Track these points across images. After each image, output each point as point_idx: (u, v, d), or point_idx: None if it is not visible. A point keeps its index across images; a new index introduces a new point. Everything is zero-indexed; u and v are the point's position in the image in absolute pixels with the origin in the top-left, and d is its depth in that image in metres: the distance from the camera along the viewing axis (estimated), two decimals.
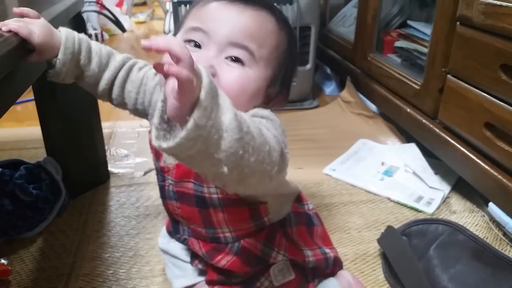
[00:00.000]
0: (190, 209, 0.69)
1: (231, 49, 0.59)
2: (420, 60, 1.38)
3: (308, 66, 1.77)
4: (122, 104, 0.74)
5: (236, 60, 0.59)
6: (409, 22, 1.52)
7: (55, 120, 1.07)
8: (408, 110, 1.27)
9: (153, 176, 1.27)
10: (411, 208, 1.09)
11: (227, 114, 0.41)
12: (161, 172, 0.72)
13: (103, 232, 1.04)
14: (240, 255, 0.70)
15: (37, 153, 1.21)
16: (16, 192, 1.03)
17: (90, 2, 2.86)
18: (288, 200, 0.78)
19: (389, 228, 0.93)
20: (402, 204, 1.10)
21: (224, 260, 0.71)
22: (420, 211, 1.07)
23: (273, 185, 0.55)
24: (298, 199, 0.81)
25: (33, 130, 1.44)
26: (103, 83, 0.70)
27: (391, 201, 1.12)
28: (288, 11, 1.61)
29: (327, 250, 0.79)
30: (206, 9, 0.61)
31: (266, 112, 0.60)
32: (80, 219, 1.08)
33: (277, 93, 0.67)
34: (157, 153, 0.72)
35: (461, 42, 1.02)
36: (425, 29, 1.42)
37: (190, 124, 0.38)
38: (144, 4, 4.01)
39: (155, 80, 0.72)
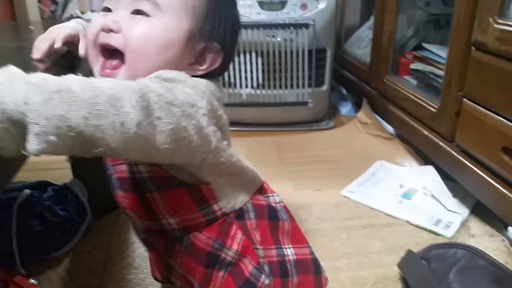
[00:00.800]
0: (131, 196, 0.64)
1: (134, 3, 0.57)
2: (435, 82, 1.40)
3: (324, 87, 1.79)
4: None
5: (140, 13, 0.57)
6: (424, 45, 1.54)
7: None
8: (425, 132, 1.29)
9: None
10: (430, 231, 1.10)
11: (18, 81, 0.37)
12: (104, 160, 0.67)
13: (127, 253, 1.06)
14: (190, 251, 0.65)
15: (63, 174, 1.24)
16: (45, 213, 1.06)
17: None
18: (243, 186, 0.68)
19: (409, 253, 0.94)
20: (421, 228, 1.11)
21: (177, 261, 0.66)
22: (439, 235, 1.08)
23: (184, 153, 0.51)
24: (261, 190, 0.72)
25: None
26: None
27: (410, 224, 1.13)
28: (304, 34, 1.65)
29: (288, 252, 0.70)
30: None
31: (172, 73, 0.55)
32: (104, 240, 1.11)
33: (209, 49, 0.61)
34: None
35: (477, 67, 1.04)
36: (440, 52, 1.44)
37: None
38: None
39: None
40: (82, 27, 0.69)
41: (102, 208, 1.20)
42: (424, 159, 1.40)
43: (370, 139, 1.63)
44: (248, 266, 0.64)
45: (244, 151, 1.56)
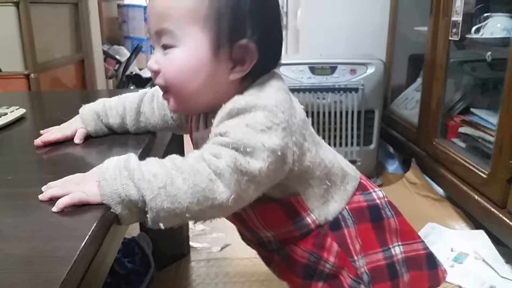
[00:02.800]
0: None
1: (160, 38, 0.60)
2: (485, 147, 1.43)
3: (372, 146, 1.85)
4: (166, 128, 0.79)
5: (166, 47, 0.60)
6: (473, 110, 1.58)
7: None
8: (476, 197, 1.31)
9: (229, 252, 1.36)
10: None
11: (136, 186, 0.50)
12: None
13: None
14: (288, 264, 0.66)
15: (131, 228, 1.34)
16: (114, 265, 1.15)
17: None
18: (335, 192, 0.66)
19: None
20: None
21: (276, 270, 0.69)
22: None
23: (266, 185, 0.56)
24: (360, 188, 0.69)
25: None
26: (131, 126, 0.77)
27: None
28: (354, 97, 1.73)
29: (396, 251, 0.67)
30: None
31: (242, 103, 0.56)
32: None
33: (237, 48, 0.59)
34: None
35: None
36: (489, 117, 1.48)
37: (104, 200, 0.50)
38: None
39: None
40: (96, 115, 0.76)
41: (164, 260, 1.28)
42: (475, 223, 1.42)
43: (420, 199, 1.65)
44: (346, 279, 0.64)
45: None
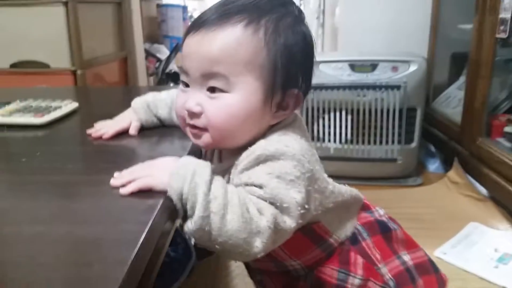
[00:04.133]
0: None
1: (206, 81, 0.59)
2: None
3: (413, 145, 1.83)
4: None
5: (215, 89, 0.59)
6: None
7: None
8: None
9: None
10: None
11: (200, 191, 0.51)
12: None
13: None
14: (316, 287, 0.68)
15: None
16: None
17: None
18: (348, 212, 0.71)
19: None
20: None
21: None
22: None
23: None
24: (364, 207, 0.74)
25: None
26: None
27: None
28: (396, 95, 1.71)
29: (406, 258, 0.72)
30: (183, 46, 0.62)
31: (271, 148, 0.58)
32: (207, 282, 1.21)
33: (287, 96, 0.62)
34: None
35: None
36: None
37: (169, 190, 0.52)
38: None
39: None
40: (146, 105, 0.79)
41: (205, 251, 1.30)
42: None
43: (461, 199, 1.62)
44: None
45: None
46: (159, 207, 0.50)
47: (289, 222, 0.55)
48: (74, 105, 0.97)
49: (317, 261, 0.68)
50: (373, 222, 0.73)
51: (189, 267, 1.23)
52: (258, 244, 0.53)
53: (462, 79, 1.96)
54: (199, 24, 0.60)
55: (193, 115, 0.60)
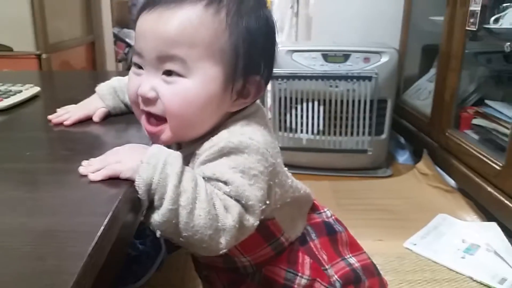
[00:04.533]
0: None
1: (162, 63, 0.55)
2: (499, 139, 1.42)
3: (383, 136, 1.84)
4: None
5: (172, 73, 0.55)
6: (487, 102, 1.57)
7: None
8: (489, 189, 1.30)
9: None
10: None
11: (170, 183, 0.49)
12: None
13: None
14: (263, 285, 0.68)
15: None
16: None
17: None
18: (300, 211, 0.72)
19: None
20: (485, 285, 1.12)
21: None
22: None
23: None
24: (313, 208, 0.75)
25: None
26: None
27: (474, 280, 1.14)
28: (367, 86, 1.71)
29: (352, 260, 0.73)
30: (137, 25, 0.57)
31: (235, 139, 0.55)
32: (177, 275, 1.19)
33: (249, 83, 0.59)
34: None
35: None
36: (503, 109, 1.46)
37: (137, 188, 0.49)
38: None
39: None
40: (113, 91, 0.75)
41: (175, 244, 1.28)
42: (487, 215, 1.41)
43: (430, 190, 1.64)
44: None
45: None
46: (120, 197, 0.47)
47: (252, 220, 0.55)
48: (36, 89, 0.92)
49: (266, 259, 0.68)
50: (321, 224, 0.73)
51: (158, 260, 1.20)
52: (222, 241, 0.52)
53: (432, 71, 1.98)
54: (154, 1, 0.55)
55: (147, 101, 0.56)
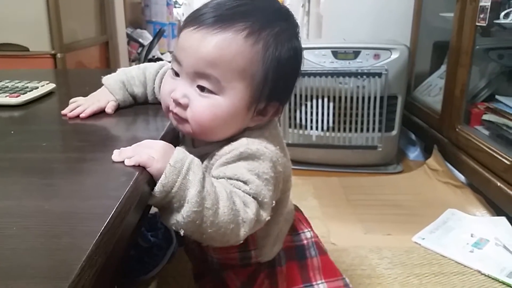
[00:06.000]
0: None
1: (198, 78, 0.60)
2: (509, 134, 1.42)
3: (394, 132, 1.84)
4: None
5: (204, 89, 0.60)
6: (498, 97, 1.56)
7: None
8: (499, 184, 1.31)
9: None
10: (503, 283, 1.11)
11: (192, 189, 0.53)
12: None
13: None
14: (220, 285, 0.74)
15: None
16: (137, 239, 1.17)
17: None
18: (280, 230, 0.75)
19: None
20: (493, 278, 1.13)
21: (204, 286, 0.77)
22: None
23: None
24: (292, 228, 0.78)
25: None
26: (151, 95, 0.80)
27: (482, 274, 1.14)
28: (377, 82, 1.72)
29: (322, 286, 0.75)
30: (180, 38, 0.63)
31: (253, 148, 0.61)
32: (187, 266, 1.21)
33: (269, 106, 0.65)
34: None
35: None
36: None
37: (157, 186, 0.53)
38: None
39: None
40: (122, 85, 0.78)
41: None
42: (496, 210, 1.41)
43: (440, 186, 1.64)
44: None
45: (311, 189, 1.63)
46: (131, 183, 0.49)
47: (265, 215, 0.61)
48: (51, 86, 0.95)
49: (230, 265, 0.73)
50: (293, 248, 0.77)
51: (169, 252, 1.22)
52: (241, 233, 0.58)
53: (443, 67, 1.97)
54: (200, 20, 0.60)
55: (178, 105, 0.62)
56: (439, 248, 1.25)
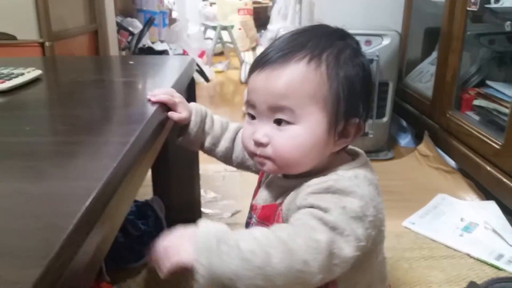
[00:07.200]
0: None
1: (273, 113, 0.62)
2: (499, 119, 1.42)
3: (385, 119, 1.84)
4: (242, 163, 0.82)
5: (281, 121, 0.62)
6: (488, 83, 1.56)
7: (164, 165, 1.23)
8: (488, 168, 1.31)
9: (239, 218, 1.38)
10: (492, 265, 1.12)
11: (232, 263, 0.49)
12: (250, 210, 0.74)
13: None
14: None
15: (145, 192, 1.35)
16: (128, 227, 1.17)
17: (177, 54, 3.12)
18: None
19: (472, 284, 0.97)
20: (482, 261, 1.13)
21: None
22: (501, 269, 1.10)
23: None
24: None
25: None
26: (224, 143, 0.81)
27: (471, 257, 1.15)
28: None
29: None
30: (249, 83, 0.66)
31: (344, 183, 0.59)
32: None
33: (349, 125, 0.64)
34: (255, 192, 0.76)
35: None
36: (505, 90, 1.46)
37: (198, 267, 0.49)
38: (221, 54, 4.28)
39: None
40: (204, 117, 0.79)
41: (177, 224, 1.30)
42: (486, 194, 1.41)
43: (431, 171, 1.65)
44: None
45: None
46: (115, 165, 0.49)
47: (347, 250, 0.54)
48: (37, 72, 0.94)
49: None
50: None
51: None
52: (315, 270, 0.51)
53: (434, 54, 1.97)
54: (263, 62, 0.63)
55: (260, 145, 0.64)
56: (429, 232, 1.26)
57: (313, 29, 0.66)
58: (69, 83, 0.82)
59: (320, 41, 0.63)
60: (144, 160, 0.60)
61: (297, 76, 0.61)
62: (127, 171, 0.51)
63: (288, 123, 0.62)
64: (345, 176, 0.62)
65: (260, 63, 0.64)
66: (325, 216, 0.54)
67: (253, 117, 0.65)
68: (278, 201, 0.66)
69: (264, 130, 0.63)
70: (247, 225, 0.74)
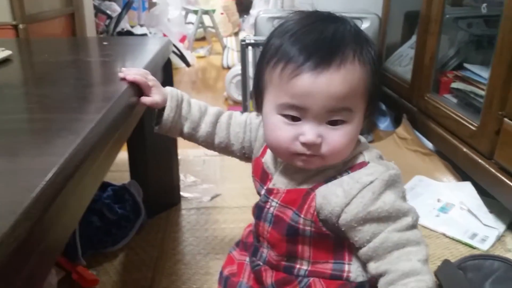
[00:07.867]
0: (279, 236, 0.70)
1: (331, 115, 0.62)
2: (476, 101, 1.43)
3: None
4: (226, 148, 0.81)
5: (338, 121, 0.62)
6: (466, 65, 1.58)
7: (141, 149, 1.21)
8: (464, 149, 1.33)
9: (219, 201, 1.38)
10: (466, 244, 1.14)
11: None
12: (267, 194, 0.72)
13: (177, 250, 1.15)
14: None
15: (122, 176, 1.34)
16: (104, 211, 1.16)
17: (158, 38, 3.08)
18: None
19: (446, 262, 0.98)
20: (457, 240, 1.15)
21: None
22: (475, 248, 1.12)
23: None
24: None
25: (119, 156, 1.59)
26: (205, 128, 0.79)
27: (446, 236, 1.17)
28: None
29: None
30: (295, 85, 0.61)
31: (392, 171, 0.64)
32: (157, 237, 1.20)
33: (365, 119, 0.68)
34: (263, 177, 0.75)
35: None
36: (482, 72, 1.47)
37: None
38: (203, 39, 4.24)
39: (259, 118, 0.77)
40: (179, 102, 0.78)
41: (155, 208, 1.29)
42: (462, 175, 1.43)
43: (409, 154, 1.66)
44: None
45: None
46: (79, 141, 0.47)
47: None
48: (7, 53, 0.91)
49: (320, 272, 0.70)
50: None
51: (138, 224, 1.21)
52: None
53: (414, 38, 1.97)
54: (313, 61, 0.60)
55: (313, 146, 0.62)
56: None
57: (317, 15, 0.66)
58: (40, 63, 0.80)
59: (356, 37, 0.63)
60: (113, 137, 0.59)
61: (355, 77, 0.62)
62: (93, 148, 0.50)
63: (343, 122, 0.62)
64: (381, 163, 0.66)
65: (307, 63, 0.60)
66: (410, 222, 0.62)
67: (293, 118, 0.63)
68: (305, 186, 0.67)
69: (315, 131, 0.62)
70: (261, 209, 0.72)
